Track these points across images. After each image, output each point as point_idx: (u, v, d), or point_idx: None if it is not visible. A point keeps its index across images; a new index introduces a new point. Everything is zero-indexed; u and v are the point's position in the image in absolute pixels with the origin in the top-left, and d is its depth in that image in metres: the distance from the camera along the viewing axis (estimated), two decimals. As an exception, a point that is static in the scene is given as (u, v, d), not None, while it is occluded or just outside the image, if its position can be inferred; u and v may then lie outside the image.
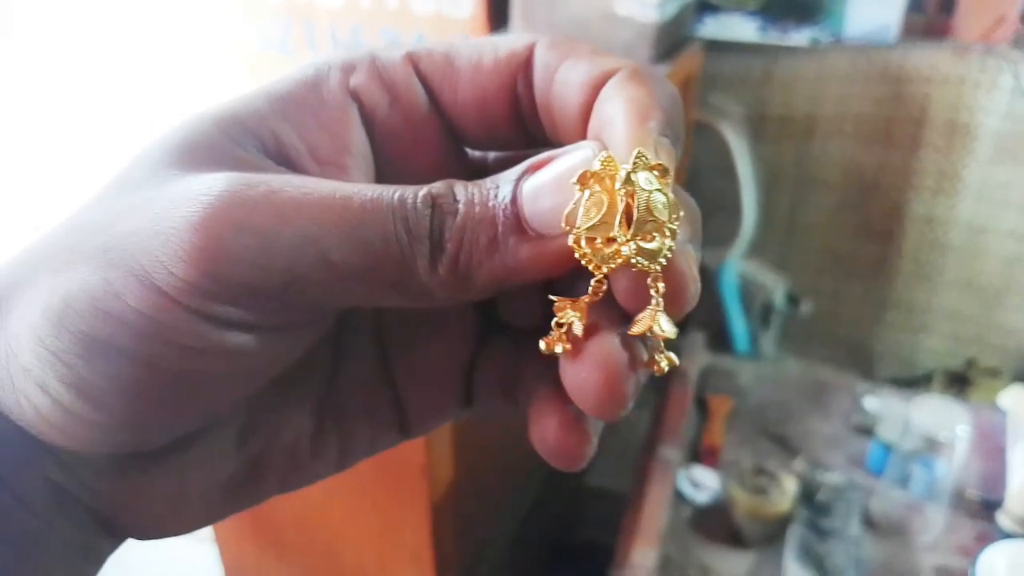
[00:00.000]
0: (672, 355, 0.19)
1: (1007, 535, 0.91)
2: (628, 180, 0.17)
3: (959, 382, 1.40)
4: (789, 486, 0.95)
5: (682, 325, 0.19)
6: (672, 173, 0.18)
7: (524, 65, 0.21)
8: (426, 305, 0.19)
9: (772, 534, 0.94)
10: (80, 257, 0.17)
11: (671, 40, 1.04)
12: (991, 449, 1.05)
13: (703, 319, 1.36)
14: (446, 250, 0.18)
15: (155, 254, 0.16)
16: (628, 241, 0.17)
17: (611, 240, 0.17)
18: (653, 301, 0.18)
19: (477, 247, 0.18)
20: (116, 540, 0.21)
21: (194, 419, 0.19)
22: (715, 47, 1.30)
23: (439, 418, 0.24)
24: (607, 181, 0.17)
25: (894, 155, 1.35)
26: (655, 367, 0.18)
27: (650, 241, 0.17)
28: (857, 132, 1.36)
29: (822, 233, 1.45)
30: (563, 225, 0.17)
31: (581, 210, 0.17)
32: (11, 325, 0.17)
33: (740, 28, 1.35)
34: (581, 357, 0.18)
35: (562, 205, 0.17)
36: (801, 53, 1.35)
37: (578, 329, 0.18)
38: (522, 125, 0.22)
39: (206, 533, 1.12)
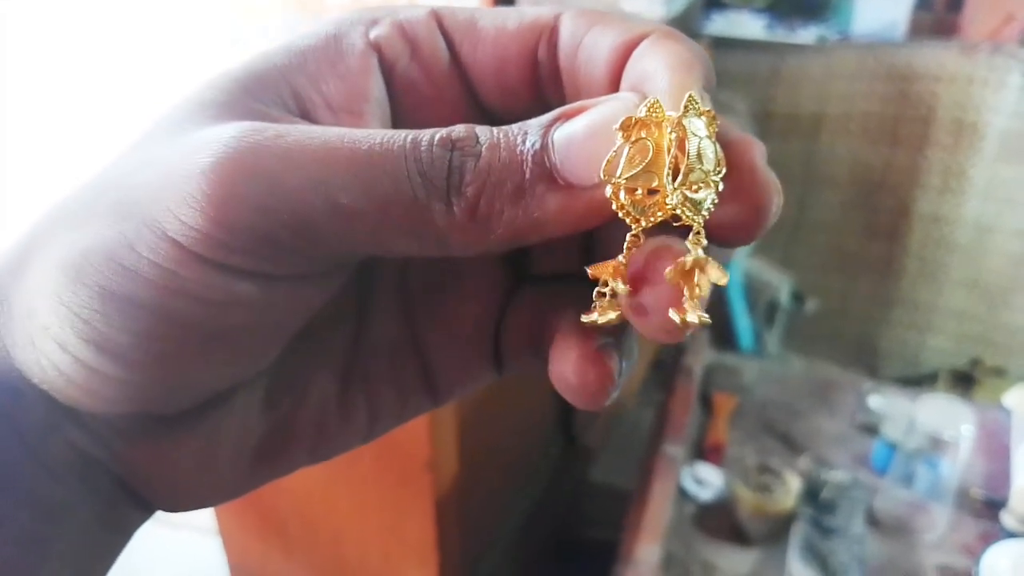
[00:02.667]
0: (706, 316, 0.17)
1: (1011, 534, 0.91)
2: (680, 124, 0.16)
3: (964, 381, 1.40)
4: (793, 484, 0.95)
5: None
6: (718, 122, 0.17)
7: (549, 32, 0.20)
8: (443, 254, 0.18)
9: (776, 532, 0.94)
10: (97, 212, 0.17)
11: (678, 37, 1.04)
12: (996, 448, 1.05)
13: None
14: (465, 194, 0.16)
15: (166, 203, 0.16)
16: (675, 191, 0.16)
17: (653, 191, 0.16)
18: (700, 253, 0.16)
19: (500, 193, 0.16)
20: (143, 513, 0.20)
21: (217, 377, 0.19)
22: (722, 44, 1.30)
23: (470, 382, 0.23)
24: (653, 128, 0.16)
25: (901, 153, 1.34)
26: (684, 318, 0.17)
27: (696, 192, 0.16)
28: (864, 130, 1.35)
29: (828, 231, 1.45)
30: (601, 175, 0.16)
31: (623, 158, 0.16)
32: (31, 284, 0.17)
33: (747, 25, 1.35)
34: (642, 310, 0.17)
35: (598, 153, 0.16)
36: (808, 51, 1.35)
37: (622, 290, 0.17)
38: (541, 92, 0.21)
39: (210, 527, 1.12)
